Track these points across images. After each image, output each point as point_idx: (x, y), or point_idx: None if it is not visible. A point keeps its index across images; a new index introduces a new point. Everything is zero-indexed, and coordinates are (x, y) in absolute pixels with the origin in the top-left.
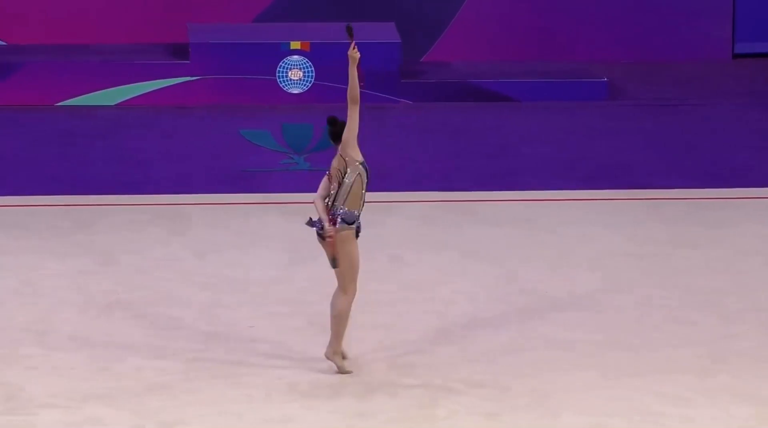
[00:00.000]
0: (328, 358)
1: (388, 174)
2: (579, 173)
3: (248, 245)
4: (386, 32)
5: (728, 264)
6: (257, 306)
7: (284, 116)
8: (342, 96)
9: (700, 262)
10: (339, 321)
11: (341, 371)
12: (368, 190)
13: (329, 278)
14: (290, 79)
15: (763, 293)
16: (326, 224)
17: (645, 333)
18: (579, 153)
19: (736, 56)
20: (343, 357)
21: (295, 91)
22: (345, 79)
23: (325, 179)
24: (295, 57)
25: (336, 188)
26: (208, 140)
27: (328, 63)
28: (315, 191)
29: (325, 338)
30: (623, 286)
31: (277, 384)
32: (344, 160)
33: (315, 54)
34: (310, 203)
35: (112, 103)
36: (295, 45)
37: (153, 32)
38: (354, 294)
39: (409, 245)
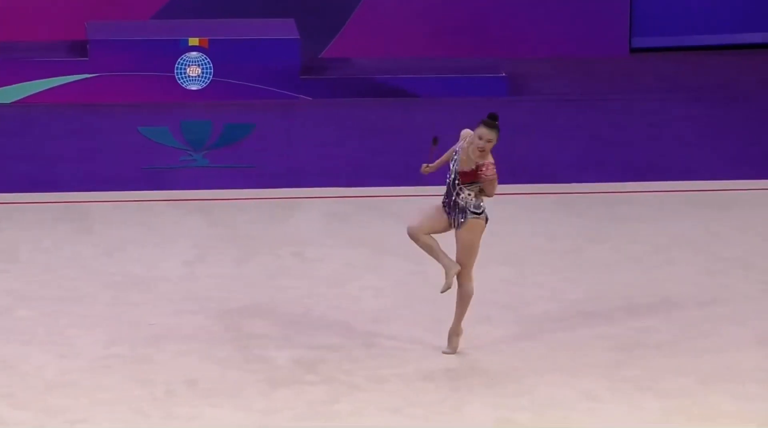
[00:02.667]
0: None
1: (292, 171)
2: None
3: (151, 243)
4: (285, 28)
5: (639, 259)
6: (162, 304)
7: (183, 113)
8: (240, 92)
9: (611, 257)
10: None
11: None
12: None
13: (235, 275)
14: (189, 76)
15: (674, 287)
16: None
17: (554, 327)
18: None
19: (633, 51)
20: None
21: (194, 87)
22: (243, 76)
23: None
24: (194, 54)
25: None
26: (107, 137)
27: (226, 60)
28: (215, 187)
29: (229, 335)
30: (533, 281)
31: (181, 381)
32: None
33: (213, 51)
34: (211, 200)
35: (8, 102)
36: (194, 42)
37: (51, 29)
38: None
39: (317, 240)
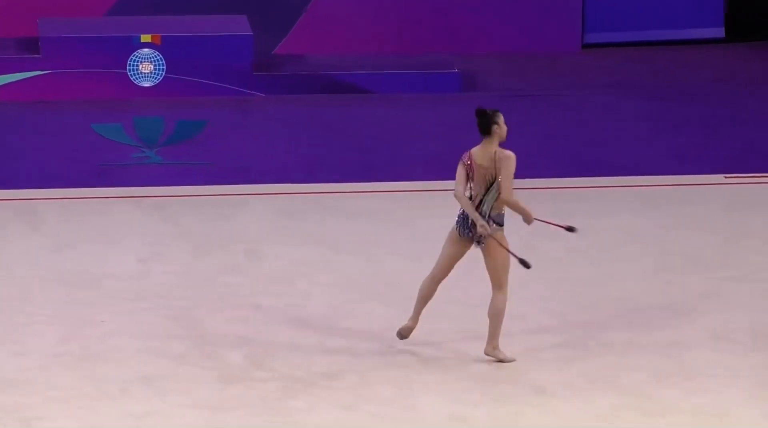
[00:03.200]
0: (487, 354)
1: (245, 167)
2: (436, 164)
3: (105, 240)
4: (238, 25)
5: (592, 255)
6: (116, 301)
7: (136, 110)
8: (193, 89)
9: (564, 253)
10: (496, 319)
11: (506, 360)
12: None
13: (188, 273)
14: (141, 73)
15: (626, 283)
16: (483, 222)
17: (508, 323)
18: (435, 145)
19: (586, 47)
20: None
21: (146, 84)
22: (196, 73)
23: (461, 170)
24: (146, 50)
25: (482, 188)
26: (61, 134)
27: (178, 56)
28: (169, 184)
29: (183, 332)
30: (484, 277)
31: (134, 379)
32: (495, 160)
33: (166, 47)
34: (164, 196)
35: None
36: (146, 38)
37: (2, 26)
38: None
39: (269, 237)
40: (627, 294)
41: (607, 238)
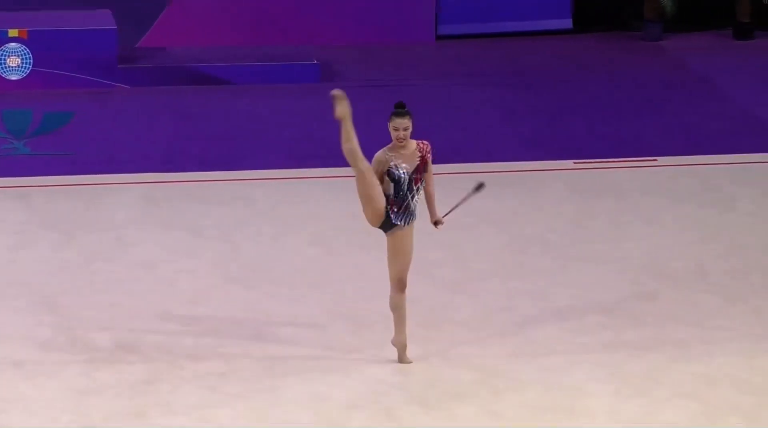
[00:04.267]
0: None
1: (110, 157)
2: (297, 153)
3: None
4: (102, 19)
5: (443, 237)
6: None
7: (4, 102)
8: (60, 82)
9: (416, 236)
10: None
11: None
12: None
13: (55, 260)
14: (9, 66)
15: (477, 264)
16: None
17: (362, 305)
18: (295, 134)
19: (439, 38)
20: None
21: (14, 77)
22: (62, 66)
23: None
24: (13, 44)
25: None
26: None
27: (45, 50)
28: (35, 174)
29: (51, 318)
30: (342, 261)
31: (3, 363)
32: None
33: (33, 41)
34: (31, 186)
35: None
36: (13, 32)
37: None
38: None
39: (134, 225)
40: (478, 275)
41: (458, 222)
